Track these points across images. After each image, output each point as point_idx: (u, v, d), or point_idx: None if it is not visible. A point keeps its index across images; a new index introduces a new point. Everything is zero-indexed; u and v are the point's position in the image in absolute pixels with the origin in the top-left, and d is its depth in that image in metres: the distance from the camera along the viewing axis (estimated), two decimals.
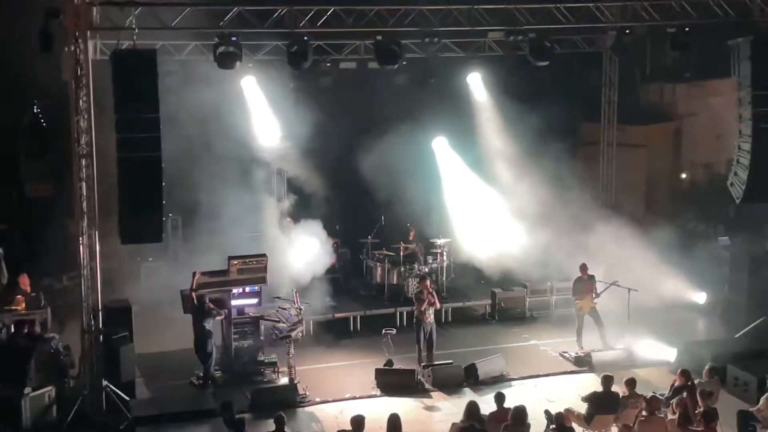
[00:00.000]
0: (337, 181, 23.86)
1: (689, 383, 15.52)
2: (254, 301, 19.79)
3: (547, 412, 14.93)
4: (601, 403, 15.34)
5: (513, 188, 24.42)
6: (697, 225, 26.50)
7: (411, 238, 24.25)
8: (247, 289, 19.66)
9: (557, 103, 24.49)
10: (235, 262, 19.37)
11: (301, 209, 23.41)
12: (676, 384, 15.78)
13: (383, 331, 19.90)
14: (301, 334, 18.88)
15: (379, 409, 17.41)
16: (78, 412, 17.03)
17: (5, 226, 22.72)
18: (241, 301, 19.63)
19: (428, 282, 20.05)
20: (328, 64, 21.78)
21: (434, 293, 19.81)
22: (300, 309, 19.00)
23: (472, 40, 22.14)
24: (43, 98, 23.24)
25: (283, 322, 18.82)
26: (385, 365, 19.27)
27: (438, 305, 19.99)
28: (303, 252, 22.23)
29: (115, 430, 16.92)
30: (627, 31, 20.67)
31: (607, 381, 15.52)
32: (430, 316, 19.68)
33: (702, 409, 14.62)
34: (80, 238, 17.22)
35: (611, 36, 21.62)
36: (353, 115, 23.55)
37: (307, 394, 18.43)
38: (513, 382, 19.18)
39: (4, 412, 16.43)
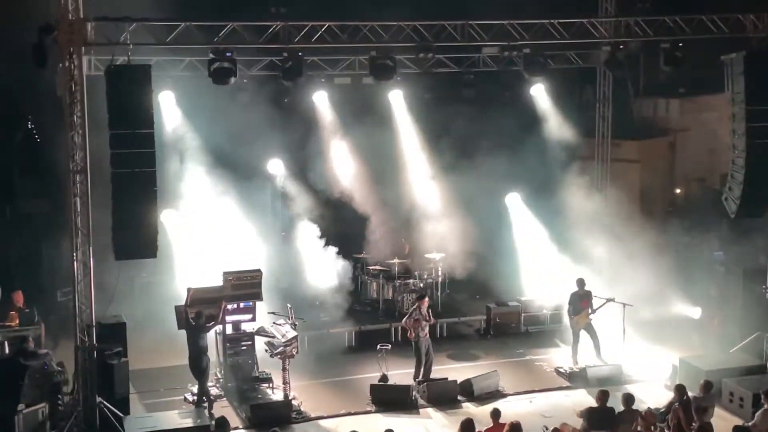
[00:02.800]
0: (331, 195, 23.83)
1: (684, 398, 15.52)
2: (249, 316, 19.74)
3: (545, 428, 14.89)
4: (597, 419, 15.31)
5: (509, 202, 24.44)
6: (691, 239, 26.52)
7: (405, 253, 24.22)
8: (242, 304, 19.62)
9: (551, 118, 24.55)
10: (230, 278, 19.36)
11: (296, 223, 23.36)
12: (672, 399, 15.78)
13: (378, 346, 19.89)
14: (296, 350, 18.82)
15: (374, 425, 17.39)
16: (71, 429, 16.97)
17: None
18: (236, 316, 19.59)
19: (426, 300, 20.02)
20: (323, 80, 21.80)
21: (429, 312, 19.82)
22: (295, 324, 18.96)
23: (466, 55, 22.18)
24: (37, 114, 23.23)
25: (278, 338, 18.77)
26: (380, 381, 19.25)
27: (432, 321, 19.97)
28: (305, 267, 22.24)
29: None
30: (621, 47, 20.73)
31: (603, 396, 15.50)
32: (426, 333, 19.68)
33: (697, 424, 14.61)
34: (74, 254, 17.18)
35: (605, 51, 21.68)
36: (349, 129, 23.53)
37: (303, 409, 18.41)
38: (508, 398, 19.17)
39: None
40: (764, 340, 19.77)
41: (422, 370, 19.67)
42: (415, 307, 19.91)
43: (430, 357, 19.78)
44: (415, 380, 19.45)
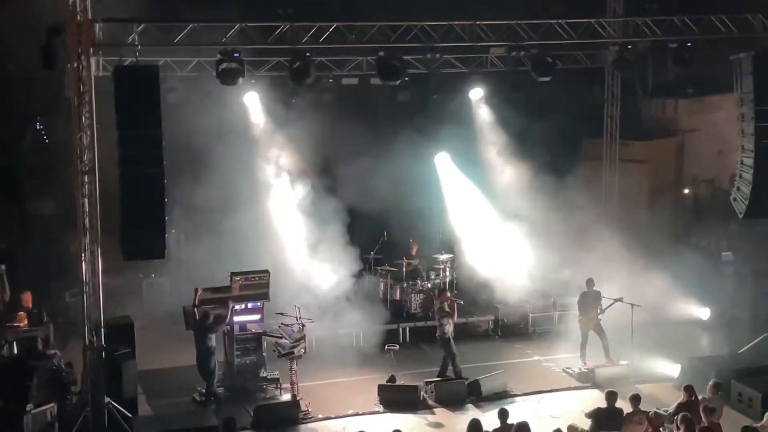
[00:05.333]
0: (339, 196, 23.83)
1: (692, 398, 15.48)
2: (256, 317, 19.75)
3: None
4: (605, 420, 15.28)
5: (515, 203, 24.42)
6: (699, 240, 26.46)
7: (413, 254, 24.21)
8: (250, 305, 19.64)
9: (559, 118, 24.53)
10: (238, 278, 19.38)
11: (304, 225, 23.36)
12: (680, 400, 15.74)
13: (386, 347, 19.88)
14: (303, 350, 18.82)
15: (382, 425, 17.39)
16: (80, 430, 17.00)
17: (7, 243, 22.72)
18: (244, 317, 19.60)
19: (448, 293, 20.01)
20: (331, 80, 21.82)
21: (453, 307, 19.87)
22: (302, 325, 18.96)
23: (474, 55, 22.16)
24: (45, 115, 23.29)
25: (286, 338, 18.78)
26: (388, 381, 19.24)
27: (455, 318, 19.97)
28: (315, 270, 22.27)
29: None
30: (629, 47, 20.71)
31: (611, 397, 15.46)
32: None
33: (705, 424, 14.56)
34: (82, 255, 17.20)
35: (613, 51, 21.68)
36: (355, 131, 23.54)
37: (310, 410, 18.41)
38: (516, 398, 19.15)
39: (6, 429, 16.39)
40: None
41: (456, 363, 19.64)
42: (441, 304, 19.91)
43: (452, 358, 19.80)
44: (455, 374, 19.49)
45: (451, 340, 19.70)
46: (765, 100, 19.24)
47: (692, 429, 14.65)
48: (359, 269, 23.53)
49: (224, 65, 18.22)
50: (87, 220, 17.17)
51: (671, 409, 15.93)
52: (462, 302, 20.66)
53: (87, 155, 17.07)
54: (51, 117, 22.86)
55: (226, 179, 22.15)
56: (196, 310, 18.59)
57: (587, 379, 19.94)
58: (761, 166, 19.41)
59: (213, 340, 18.54)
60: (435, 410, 18.73)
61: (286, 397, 18.82)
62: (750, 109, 19.42)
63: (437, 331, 19.83)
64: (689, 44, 19.93)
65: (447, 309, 19.75)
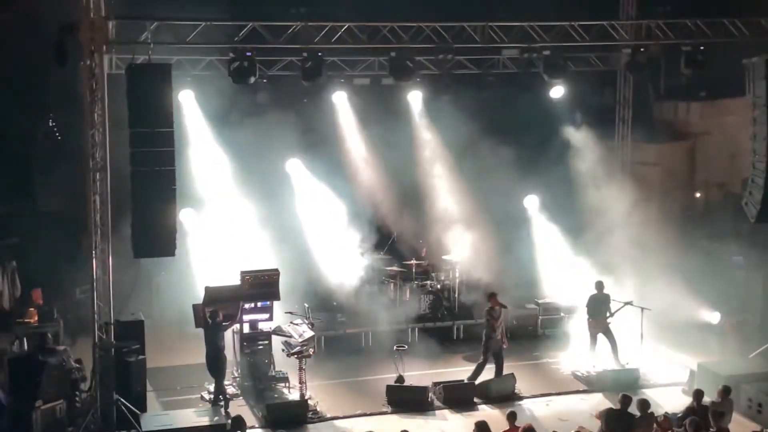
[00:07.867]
0: (349, 197, 23.85)
1: (702, 403, 15.44)
2: (266, 316, 19.76)
3: None
4: (615, 421, 15.22)
5: (525, 205, 24.40)
6: (710, 244, 26.36)
7: (423, 255, 24.18)
8: (259, 303, 19.64)
9: (569, 121, 24.47)
10: (248, 277, 19.39)
11: (314, 224, 23.37)
12: (689, 404, 15.70)
13: (395, 347, 19.87)
14: (312, 350, 18.83)
15: (390, 426, 17.38)
16: (88, 426, 17.04)
17: (19, 239, 22.79)
18: (253, 315, 19.62)
19: (497, 298, 19.95)
20: (342, 80, 21.82)
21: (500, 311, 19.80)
22: (312, 324, 18.97)
23: (486, 57, 22.14)
24: (57, 112, 23.35)
25: (295, 338, 18.78)
26: (396, 382, 19.23)
27: (500, 322, 19.89)
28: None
29: None
30: (641, 50, 20.66)
31: (626, 401, 15.36)
32: (498, 335, 19.66)
33: (714, 429, 14.53)
34: (93, 252, 17.25)
35: (626, 54, 21.60)
36: (366, 131, 23.55)
37: (318, 409, 18.42)
38: (525, 401, 19.12)
39: (16, 425, 16.45)
40: None
41: (480, 372, 19.60)
42: (490, 306, 19.85)
43: (499, 360, 19.75)
44: (467, 380, 19.45)
45: (490, 346, 19.64)
46: None
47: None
48: (369, 269, 23.53)
49: (236, 64, 18.28)
50: (98, 218, 17.23)
51: (680, 413, 15.91)
52: (508, 307, 20.48)
53: (99, 153, 17.13)
54: (63, 114, 22.91)
55: (236, 176, 22.19)
56: (205, 308, 18.62)
57: (596, 383, 19.89)
58: None
59: (222, 338, 18.53)
60: (443, 411, 18.71)
61: (295, 396, 18.83)
62: (762, 112, 19.31)
63: (486, 336, 19.69)
64: (702, 47, 19.90)
65: (495, 314, 19.68)
